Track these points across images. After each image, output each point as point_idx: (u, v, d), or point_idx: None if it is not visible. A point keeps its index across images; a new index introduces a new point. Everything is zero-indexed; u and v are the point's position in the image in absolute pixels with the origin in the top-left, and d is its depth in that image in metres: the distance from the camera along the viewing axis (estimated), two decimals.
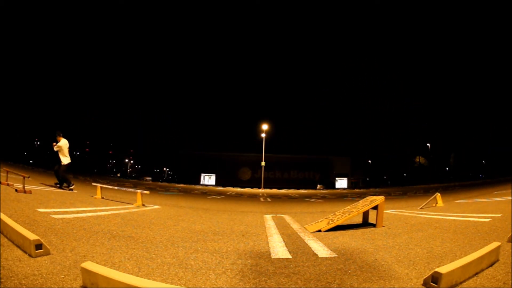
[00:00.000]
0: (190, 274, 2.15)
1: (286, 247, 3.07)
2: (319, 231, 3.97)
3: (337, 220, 4.12)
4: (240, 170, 51.93)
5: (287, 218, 5.62)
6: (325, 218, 4.53)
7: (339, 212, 4.68)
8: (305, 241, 3.39)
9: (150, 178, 57.25)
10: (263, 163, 37.40)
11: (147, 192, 7.31)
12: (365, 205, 4.44)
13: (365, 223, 4.65)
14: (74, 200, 6.47)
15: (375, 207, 4.35)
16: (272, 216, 5.87)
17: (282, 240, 3.44)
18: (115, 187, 9.44)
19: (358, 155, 62.69)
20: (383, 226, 4.31)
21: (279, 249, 2.96)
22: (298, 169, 54.56)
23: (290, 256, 2.70)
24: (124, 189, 9.25)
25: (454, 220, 4.69)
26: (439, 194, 7.36)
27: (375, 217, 4.38)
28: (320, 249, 2.97)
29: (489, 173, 45.43)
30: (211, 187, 33.53)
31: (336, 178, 55.27)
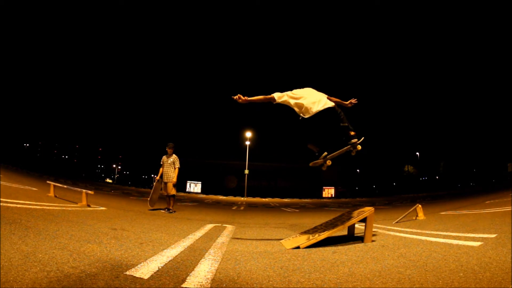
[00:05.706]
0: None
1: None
2: (298, 247, 3.31)
3: (318, 235, 3.45)
4: (226, 178, 50.77)
5: (230, 228, 5.16)
6: (305, 233, 3.85)
7: (320, 225, 4.01)
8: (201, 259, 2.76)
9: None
10: (246, 171, 36.86)
11: (91, 192, 6.98)
12: (352, 217, 3.79)
13: (351, 237, 4.00)
14: (19, 194, 6.38)
15: (364, 220, 3.70)
16: (214, 226, 5.44)
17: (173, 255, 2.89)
18: (71, 187, 9.28)
19: (346, 164, 62.67)
20: (373, 241, 3.66)
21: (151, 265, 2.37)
22: (284, 178, 53.90)
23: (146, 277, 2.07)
24: (79, 189, 8.80)
25: (430, 242, 3.51)
26: (419, 205, 6.24)
27: (362, 229, 3.74)
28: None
29: (480, 181, 43.83)
30: (194, 194, 32.52)
31: (323, 187, 54.88)
